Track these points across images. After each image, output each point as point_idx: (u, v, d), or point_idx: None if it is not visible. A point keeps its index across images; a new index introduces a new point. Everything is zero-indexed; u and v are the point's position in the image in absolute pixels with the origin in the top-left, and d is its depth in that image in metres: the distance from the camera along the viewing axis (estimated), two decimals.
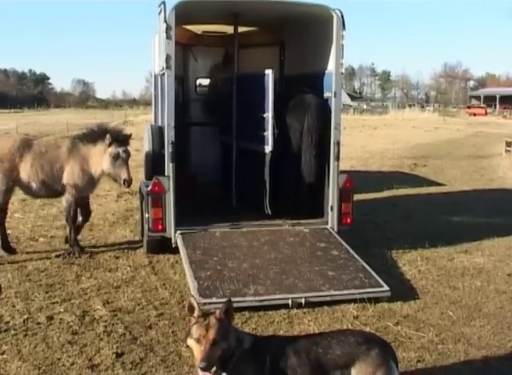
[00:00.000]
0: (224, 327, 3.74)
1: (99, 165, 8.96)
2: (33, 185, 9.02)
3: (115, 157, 8.81)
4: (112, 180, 9.23)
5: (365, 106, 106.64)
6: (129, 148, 9.08)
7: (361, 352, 3.83)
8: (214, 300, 6.55)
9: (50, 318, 6.63)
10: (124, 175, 8.85)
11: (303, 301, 7.00)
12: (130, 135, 9.15)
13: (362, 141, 33.61)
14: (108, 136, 8.79)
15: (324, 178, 9.39)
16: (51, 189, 9.16)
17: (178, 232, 8.54)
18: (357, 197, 10.44)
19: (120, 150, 8.84)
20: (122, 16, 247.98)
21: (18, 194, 14.46)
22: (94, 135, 9.08)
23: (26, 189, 9.21)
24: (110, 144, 8.81)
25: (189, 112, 12.57)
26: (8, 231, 9.71)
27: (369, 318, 6.80)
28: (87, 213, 9.69)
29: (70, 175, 8.99)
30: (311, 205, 9.64)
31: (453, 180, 19.25)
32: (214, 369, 3.67)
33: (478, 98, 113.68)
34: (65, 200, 9.16)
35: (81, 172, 9.00)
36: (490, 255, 9.53)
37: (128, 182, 8.92)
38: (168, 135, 8.48)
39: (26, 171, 8.93)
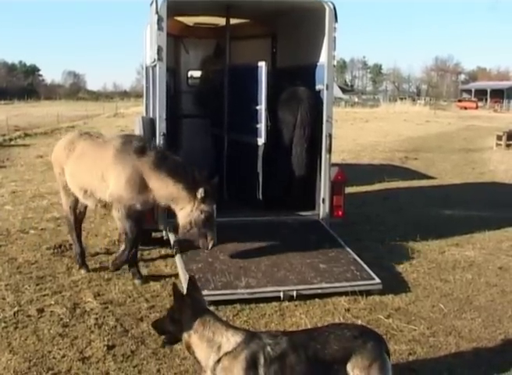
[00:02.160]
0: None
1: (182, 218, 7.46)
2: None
3: (209, 217, 7.42)
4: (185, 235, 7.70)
5: (356, 99, 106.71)
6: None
7: (357, 346, 3.86)
8: (205, 292, 6.50)
9: (40, 310, 6.61)
10: (213, 236, 7.48)
11: (294, 293, 6.99)
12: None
13: (353, 133, 33.65)
14: (201, 190, 7.22)
15: (315, 171, 9.39)
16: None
17: (169, 225, 8.51)
18: (348, 190, 10.47)
19: (213, 208, 7.50)
20: (113, 7, 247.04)
21: (7, 187, 14.46)
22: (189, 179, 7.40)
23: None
24: (204, 201, 7.33)
25: (180, 104, 12.52)
26: None
27: (361, 311, 6.81)
28: None
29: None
30: (303, 198, 9.63)
31: (443, 173, 19.30)
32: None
33: (469, 91, 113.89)
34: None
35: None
36: (481, 249, 9.56)
37: (214, 245, 7.55)
38: (160, 127, 8.46)
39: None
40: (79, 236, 8.30)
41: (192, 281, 4.10)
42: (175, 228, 7.84)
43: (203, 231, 7.40)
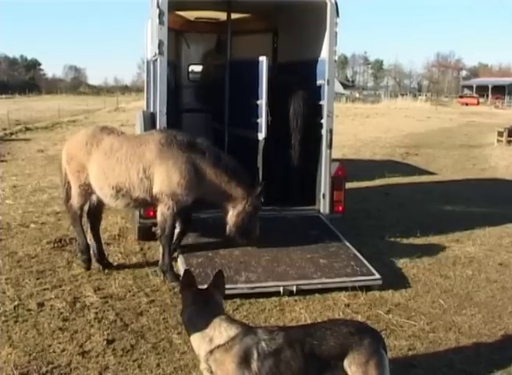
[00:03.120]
0: None
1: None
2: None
3: (257, 214, 7.75)
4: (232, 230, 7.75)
5: (358, 95, 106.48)
6: None
7: (354, 342, 3.86)
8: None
9: (41, 304, 6.61)
10: (257, 232, 7.83)
11: (294, 288, 7.00)
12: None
13: (354, 129, 33.64)
14: (259, 189, 7.57)
15: (313, 165, 9.40)
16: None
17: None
18: (348, 185, 10.45)
19: (261, 206, 7.84)
20: (114, 1, 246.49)
21: (8, 181, 14.46)
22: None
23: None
24: (257, 199, 7.64)
25: (181, 99, 12.52)
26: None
27: (360, 306, 6.81)
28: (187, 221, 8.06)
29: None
30: (302, 192, 9.64)
31: (444, 169, 19.29)
32: None
33: (470, 87, 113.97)
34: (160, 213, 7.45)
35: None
36: (481, 245, 9.56)
37: (255, 239, 7.86)
38: (160, 121, 8.44)
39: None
40: (85, 232, 7.97)
41: (187, 274, 4.21)
42: (225, 224, 7.74)
43: (249, 227, 7.64)
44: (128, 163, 7.22)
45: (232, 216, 7.62)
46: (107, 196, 7.42)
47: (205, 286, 4.21)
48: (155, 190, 7.22)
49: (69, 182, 7.78)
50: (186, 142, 7.36)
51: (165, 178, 7.17)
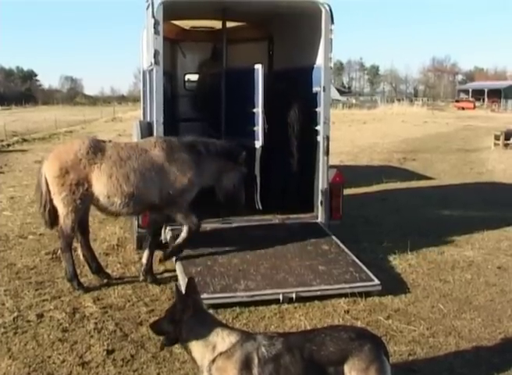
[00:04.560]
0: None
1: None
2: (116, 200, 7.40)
3: (244, 177, 8.37)
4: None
5: (354, 101, 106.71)
6: None
7: (354, 348, 3.85)
8: (205, 296, 6.51)
9: (40, 316, 6.60)
10: (243, 197, 8.45)
11: (294, 296, 6.99)
12: None
13: (351, 135, 33.67)
14: (243, 155, 8.16)
15: (311, 172, 9.41)
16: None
17: (168, 228, 8.51)
18: (346, 191, 10.47)
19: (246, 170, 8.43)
20: (109, 11, 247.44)
21: (6, 192, 14.46)
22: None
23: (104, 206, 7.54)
24: (243, 164, 8.26)
25: (178, 108, 12.53)
26: None
27: (360, 312, 6.80)
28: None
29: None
30: (300, 200, 9.65)
31: (442, 173, 19.31)
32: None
33: (466, 91, 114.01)
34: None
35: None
36: (480, 248, 9.56)
37: (241, 205, 8.54)
38: (157, 131, 8.46)
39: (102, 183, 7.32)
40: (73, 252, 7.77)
41: (191, 282, 4.11)
42: (218, 193, 8.27)
43: (239, 189, 8.22)
44: (141, 170, 7.37)
45: (225, 184, 8.12)
46: (115, 204, 7.37)
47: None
48: (168, 191, 7.53)
49: (51, 201, 7.37)
50: (180, 142, 7.82)
51: (176, 178, 7.56)
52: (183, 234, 7.79)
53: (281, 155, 9.73)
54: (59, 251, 7.87)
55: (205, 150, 7.88)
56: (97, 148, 7.36)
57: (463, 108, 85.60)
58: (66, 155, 7.34)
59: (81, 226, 7.71)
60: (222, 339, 3.86)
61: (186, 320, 3.97)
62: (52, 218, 7.50)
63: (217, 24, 11.22)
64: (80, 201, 7.29)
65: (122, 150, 7.47)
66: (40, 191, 7.45)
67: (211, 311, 5.69)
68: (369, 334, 4.22)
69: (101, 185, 7.26)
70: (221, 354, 3.81)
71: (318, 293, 7.14)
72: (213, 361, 3.82)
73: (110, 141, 8.00)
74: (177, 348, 5.76)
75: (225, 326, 4.03)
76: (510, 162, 22.20)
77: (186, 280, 4.19)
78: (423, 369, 5.45)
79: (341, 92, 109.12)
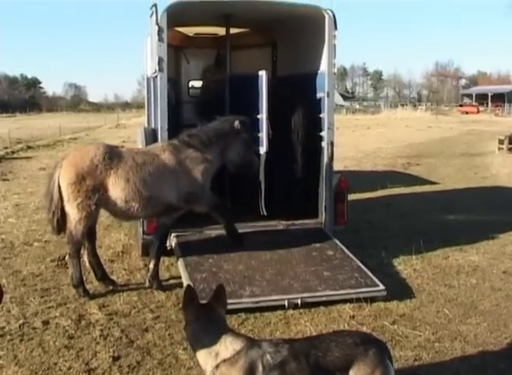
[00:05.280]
0: None
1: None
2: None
3: (250, 143, 8.44)
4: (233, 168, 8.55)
5: (358, 106, 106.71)
6: None
7: (359, 353, 3.84)
8: None
9: (46, 322, 6.62)
10: (256, 161, 8.76)
11: (299, 301, 6.99)
12: None
13: (355, 140, 33.65)
14: (236, 123, 8.13)
15: (315, 177, 9.42)
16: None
17: (173, 234, 8.53)
18: (351, 197, 10.47)
19: (250, 134, 8.52)
20: (113, 18, 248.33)
21: (11, 199, 14.49)
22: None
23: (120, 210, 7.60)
24: (242, 130, 8.24)
25: (182, 114, 12.54)
26: (2, 236, 9.65)
27: (365, 317, 6.80)
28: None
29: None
30: (305, 205, 9.65)
31: (446, 178, 19.28)
32: None
33: (469, 96, 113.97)
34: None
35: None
36: (485, 253, 9.55)
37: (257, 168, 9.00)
38: (162, 137, 8.48)
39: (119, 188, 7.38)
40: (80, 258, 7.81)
41: (189, 290, 4.19)
42: (231, 168, 8.54)
43: (246, 154, 8.25)
44: (156, 173, 7.53)
45: (230, 159, 8.25)
46: (133, 208, 7.46)
47: (206, 301, 4.19)
48: (187, 189, 7.77)
49: (62, 208, 7.40)
50: (181, 142, 7.96)
51: (191, 176, 7.81)
52: (223, 224, 8.33)
53: (285, 160, 9.75)
54: (67, 257, 7.86)
55: (203, 139, 7.98)
56: (112, 154, 7.42)
57: (466, 113, 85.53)
58: (82, 161, 7.33)
59: (89, 232, 7.74)
60: (226, 346, 3.85)
61: (189, 326, 4.01)
62: (61, 224, 7.51)
63: (221, 31, 11.24)
64: (95, 207, 7.34)
65: (136, 155, 7.59)
66: (51, 197, 7.44)
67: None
68: (373, 339, 4.22)
69: (118, 190, 7.32)
70: (224, 361, 3.80)
71: (324, 298, 7.14)
72: (216, 367, 3.82)
73: (122, 147, 8.05)
74: (183, 355, 5.78)
75: (230, 332, 4.02)
76: None
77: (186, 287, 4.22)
78: (429, 374, 5.45)
79: (344, 97, 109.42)
